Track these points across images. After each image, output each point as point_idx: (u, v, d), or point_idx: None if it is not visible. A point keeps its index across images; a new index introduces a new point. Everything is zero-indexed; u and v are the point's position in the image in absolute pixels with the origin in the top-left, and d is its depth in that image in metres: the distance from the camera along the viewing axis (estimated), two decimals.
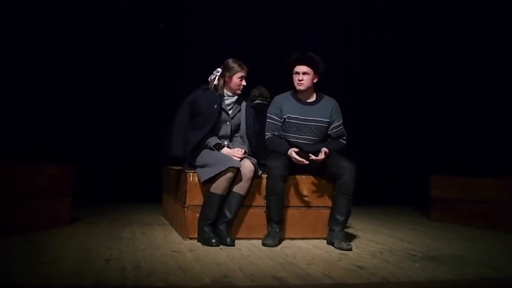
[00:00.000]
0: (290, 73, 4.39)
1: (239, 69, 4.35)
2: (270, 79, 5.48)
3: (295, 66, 4.34)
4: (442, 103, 7.07)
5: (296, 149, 4.22)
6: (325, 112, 4.38)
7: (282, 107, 4.38)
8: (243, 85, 4.41)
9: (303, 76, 4.32)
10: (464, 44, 6.86)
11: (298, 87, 4.35)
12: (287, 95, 4.47)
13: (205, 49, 6.57)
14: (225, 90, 4.41)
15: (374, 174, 7.10)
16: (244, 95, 4.52)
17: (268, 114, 4.43)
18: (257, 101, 5.24)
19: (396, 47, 7.24)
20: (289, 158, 4.19)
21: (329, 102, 4.44)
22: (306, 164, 4.18)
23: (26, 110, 6.08)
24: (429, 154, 7.07)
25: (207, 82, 4.44)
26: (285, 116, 4.36)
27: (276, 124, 4.37)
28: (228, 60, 4.40)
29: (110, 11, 6.56)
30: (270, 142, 4.36)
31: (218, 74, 4.40)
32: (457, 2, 6.81)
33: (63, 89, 6.38)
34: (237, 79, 4.36)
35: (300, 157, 4.15)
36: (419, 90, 7.20)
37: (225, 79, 4.38)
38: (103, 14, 6.53)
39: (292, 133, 4.36)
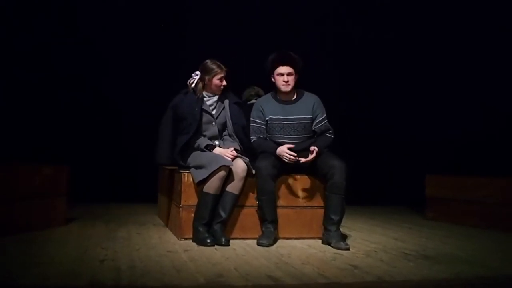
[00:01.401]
0: (271, 74, 4.38)
1: (218, 70, 4.34)
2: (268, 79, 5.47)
3: (277, 67, 4.33)
4: (437, 103, 7.09)
5: (288, 146, 4.22)
6: (307, 109, 4.37)
7: (264, 110, 4.38)
8: (224, 85, 4.41)
9: (288, 77, 4.31)
10: (458, 44, 6.87)
11: (285, 89, 4.34)
12: (268, 97, 4.49)
13: (204, 49, 6.54)
14: (205, 92, 4.41)
15: (370, 174, 7.12)
16: (225, 93, 4.49)
17: (251, 118, 4.43)
18: (253, 101, 5.24)
19: (395, 47, 7.23)
20: (280, 155, 4.20)
21: (310, 98, 4.43)
22: (298, 161, 4.18)
23: (21, 111, 6.07)
24: (424, 154, 7.09)
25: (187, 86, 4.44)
26: (267, 118, 4.37)
27: (260, 127, 4.38)
28: (206, 61, 4.39)
29: (110, 11, 6.55)
30: (257, 145, 4.37)
31: (197, 77, 4.39)
32: (453, 2, 6.81)
33: (57, 89, 6.36)
34: (217, 81, 4.35)
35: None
36: (415, 90, 7.21)
37: (205, 82, 4.37)
38: (103, 14, 6.52)
39: (277, 134, 4.36)
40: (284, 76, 4.31)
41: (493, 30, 6.59)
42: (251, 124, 4.42)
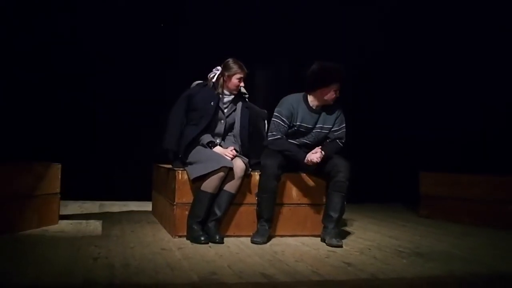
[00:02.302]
0: (321, 86, 4.24)
1: (239, 70, 4.34)
2: (266, 79, 5.48)
3: (334, 83, 4.22)
4: (432, 101, 7.09)
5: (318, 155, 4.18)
6: (331, 120, 4.35)
7: (295, 113, 4.31)
8: (241, 86, 4.41)
9: (337, 92, 4.27)
10: (453, 45, 6.87)
11: (331, 103, 4.30)
12: (299, 99, 4.36)
13: (199, 49, 6.55)
14: (223, 89, 4.40)
15: (365, 171, 7.11)
16: (241, 95, 4.49)
17: (277, 114, 4.31)
18: None
19: (393, 48, 7.25)
20: (307, 162, 4.18)
21: (335, 108, 4.37)
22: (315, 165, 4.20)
23: (12, 109, 6.04)
24: (419, 151, 7.10)
25: (205, 79, 4.44)
26: (296, 124, 4.32)
27: (284, 126, 4.28)
28: (229, 59, 4.39)
29: (109, 11, 6.54)
30: (280, 143, 4.25)
31: (218, 72, 4.39)
32: (453, 2, 6.81)
33: (49, 87, 6.34)
34: (236, 80, 4.35)
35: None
36: (410, 89, 7.22)
37: (224, 78, 4.37)
38: (102, 13, 6.52)
39: (299, 138, 4.37)
40: (336, 92, 4.26)
41: (492, 30, 6.59)
42: (275, 119, 4.30)
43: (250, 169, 4.31)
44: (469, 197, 5.52)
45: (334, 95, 4.26)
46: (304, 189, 4.45)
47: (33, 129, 6.17)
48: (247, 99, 4.53)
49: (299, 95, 4.39)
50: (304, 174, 4.46)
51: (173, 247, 3.83)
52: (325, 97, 4.26)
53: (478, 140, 6.58)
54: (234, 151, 4.25)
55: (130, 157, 6.57)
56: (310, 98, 4.35)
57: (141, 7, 6.66)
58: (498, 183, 5.36)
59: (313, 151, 4.20)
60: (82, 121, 6.54)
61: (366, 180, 7.05)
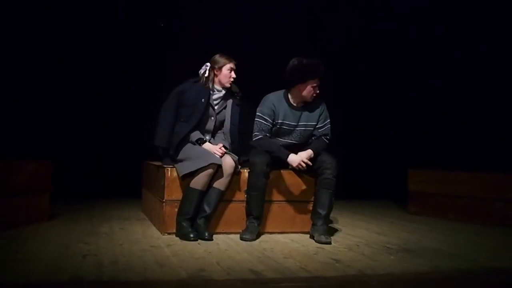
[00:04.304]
0: (298, 82, 4.24)
1: (228, 61, 4.35)
2: (263, 78, 5.46)
3: (312, 78, 4.20)
4: (420, 99, 7.13)
5: (303, 159, 4.18)
6: (314, 116, 4.34)
7: (276, 111, 4.30)
8: (233, 77, 4.38)
9: (317, 88, 4.27)
10: (446, 39, 6.91)
11: (312, 99, 4.29)
12: (280, 97, 4.35)
13: (190, 47, 6.53)
14: (214, 85, 4.40)
15: (353, 168, 7.15)
16: (231, 92, 4.48)
17: (259, 114, 4.30)
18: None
19: (381, 42, 7.27)
20: (290, 163, 4.19)
21: (318, 104, 4.36)
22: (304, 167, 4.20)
23: (2, 107, 6.01)
24: (407, 148, 7.14)
25: (196, 76, 4.43)
26: (278, 121, 4.31)
27: (268, 125, 4.28)
28: (216, 54, 4.40)
29: (108, 9, 6.54)
30: (263, 143, 4.25)
31: (208, 67, 4.39)
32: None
33: (39, 84, 6.32)
34: (227, 71, 4.35)
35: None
36: (398, 84, 7.26)
37: (215, 72, 4.37)
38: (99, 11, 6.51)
39: (282, 137, 4.36)
40: (316, 88, 4.24)
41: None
42: (258, 119, 4.29)
43: (240, 167, 4.32)
44: (457, 194, 5.57)
45: (312, 91, 4.24)
46: (293, 186, 4.47)
47: (24, 127, 6.13)
48: (238, 97, 4.53)
49: (280, 93, 4.39)
50: (293, 172, 4.46)
51: (162, 244, 3.83)
52: (303, 94, 4.26)
53: (467, 136, 6.63)
54: (223, 148, 4.26)
55: (119, 154, 6.56)
56: (290, 95, 4.35)
57: (139, 6, 6.65)
58: (486, 180, 5.41)
59: (297, 157, 4.19)
60: (72, 118, 6.52)
61: (355, 177, 7.08)
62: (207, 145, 4.27)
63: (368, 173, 7.35)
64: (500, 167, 5.66)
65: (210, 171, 4.09)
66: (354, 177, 7.14)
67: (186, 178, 4.15)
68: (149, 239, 4.03)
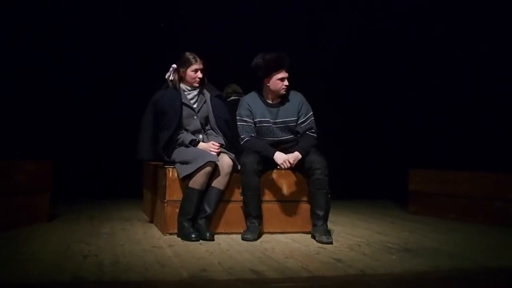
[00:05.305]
0: (265, 77, 4.26)
1: (193, 62, 4.30)
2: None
3: (278, 71, 4.21)
4: (420, 98, 7.13)
5: (290, 158, 4.18)
6: (293, 111, 4.33)
7: (253, 110, 4.31)
8: (199, 78, 4.33)
9: (287, 81, 4.25)
10: (444, 39, 6.90)
11: (283, 92, 4.28)
12: (254, 97, 4.38)
13: (196, 47, 6.52)
14: (183, 85, 4.37)
15: (353, 168, 7.16)
16: (205, 86, 4.43)
17: (238, 117, 4.33)
18: (232, 97, 5.23)
19: (381, 42, 7.27)
20: (276, 160, 4.18)
21: (295, 99, 4.35)
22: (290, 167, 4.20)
23: (2, 107, 6.01)
24: (407, 148, 7.14)
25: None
26: (256, 120, 4.32)
27: (250, 125, 4.29)
28: (184, 53, 4.35)
29: (108, 9, 6.53)
30: (251, 144, 4.25)
31: (172, 70, 4.36)
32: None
33: (39, 85, 6.32)
34: (191, 72, 4.30)
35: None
36: (398, 84, 7.26)
37: (180, 74, 4.34)
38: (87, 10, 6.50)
39: (265, 136, 4.34)
40: (285, 81, 4.23)
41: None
42: (239, 123, 4.31)
43: (239, 166, 4.31)
44: (457, 193, 5.57)
45: (281, 83, 4.23)
46: (293, 185, 4.47)
47: (24, 127, 6.14)
48: (215, 89, 4.47)
49: (254, 93, 4.40)
50: (293, 171, 4.42)
51: (164, 244, 3.83)
52: (272, 88, 4.26)
53: (468, 137, 6.63)
54: (217, 144, 4.24)
55: (119, 154, 6.54)
56: (264, 93, 4.35)
57: (141, 6, 6.64)
58: (485, 180, 5.41)
59: (283, 155, 4.19)
60: (72, 119, 6.52)
61: (355, 177, 7.09)
62: (201, 145, 4.27)
63: (368, 173, 7.35)
64: (500, 167, 5.65)
65: (207, 169, 4.08)
66: (354, 177, 7.16)
67: (186, 179, 4.15)
68: (150, 239, 4.03)
